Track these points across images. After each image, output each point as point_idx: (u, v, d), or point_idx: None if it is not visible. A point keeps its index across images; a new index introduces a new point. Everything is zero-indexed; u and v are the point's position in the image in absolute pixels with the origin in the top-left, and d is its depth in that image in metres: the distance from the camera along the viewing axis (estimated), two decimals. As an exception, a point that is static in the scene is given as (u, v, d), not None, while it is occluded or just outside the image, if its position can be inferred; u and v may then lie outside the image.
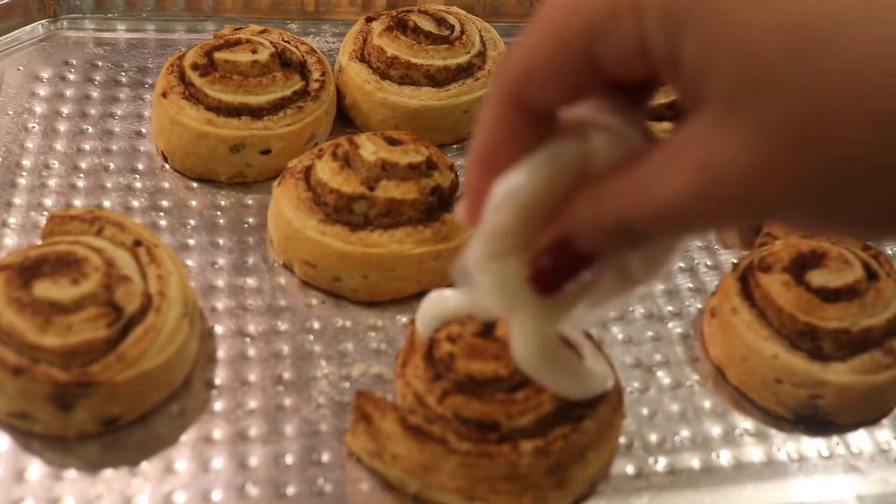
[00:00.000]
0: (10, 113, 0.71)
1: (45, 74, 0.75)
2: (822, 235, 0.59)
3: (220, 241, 0.64)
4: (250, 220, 0.66)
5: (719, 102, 0.31)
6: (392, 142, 0.62)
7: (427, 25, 0.73)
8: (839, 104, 0.29)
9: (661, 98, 0.71)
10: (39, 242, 0.57)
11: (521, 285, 0.40)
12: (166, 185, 0.67)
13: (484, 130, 0.39)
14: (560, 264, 0.38)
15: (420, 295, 0.59)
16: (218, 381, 0.56)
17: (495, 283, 0.40)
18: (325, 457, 0.52)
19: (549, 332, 0.43)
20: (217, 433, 0.53)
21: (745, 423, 0.57)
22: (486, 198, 0.39)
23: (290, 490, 0.51)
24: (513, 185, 0.38)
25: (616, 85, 0.36)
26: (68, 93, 0.74)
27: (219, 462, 0.52)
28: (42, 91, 0.74)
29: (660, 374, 0.59)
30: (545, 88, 0.36)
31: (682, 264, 0.67)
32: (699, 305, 0.63)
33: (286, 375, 0.56)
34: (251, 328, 0.59)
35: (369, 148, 0.61)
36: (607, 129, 0.37)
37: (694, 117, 0.33)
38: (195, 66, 0.67)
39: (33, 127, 0.70)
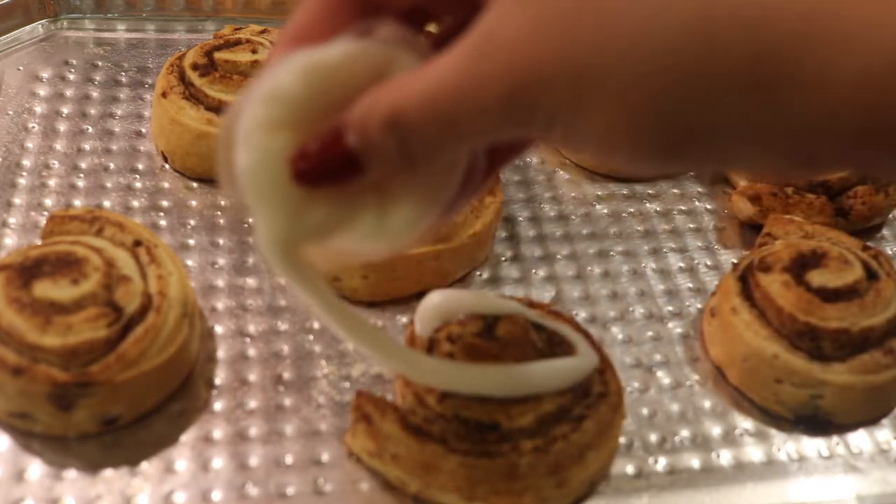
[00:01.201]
0: (10, 113, 0.71)
1: (45, 74, 0.75)
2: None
3: (220, 241, 0.64)
4: (250, 220, 0.66)
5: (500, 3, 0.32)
6: (392, 142, 0.62)
7: (427, 25, 0.73)
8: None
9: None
10: (39, 242, 0.57)
11: (281, 169, 0.37)
12: (166, 185, 0.67)
13: (306, 8, 0.38)
14: (326, 154, 0.36)
15: (420, 295, 0.59)
16: (218, 381, 0.56)
17: (257, 158, 0.37)
18: (325, 457, 0.52)
19: (292, 239, 0.39)
20: (217, 433, 0.53)
21: (745, 423, 0.57)
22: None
23: (290, 490, 0.51)
24: (310, 55, 0.36)
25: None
26: (68, 93, 0.74)
27: (219, 462, 0.52)
28: (42, 91, 0.74)
29: (660, 374, 0.59)
30: None
31: (682, 264, 0.67)
32: (699, 305, 0.63)
33: (286, 375, 0.56)
34: (251, 328, 0.59)
35: (369, 148, 0.61)
36: (414, 49, 0.37)
37: (479, 16, 0.33)
38: (195, 66, 0.67)
39: (33, 127, 0.70)
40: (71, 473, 0.50)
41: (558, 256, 0.66)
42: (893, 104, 0.29)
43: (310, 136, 0.36)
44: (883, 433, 0.57)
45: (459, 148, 0.36)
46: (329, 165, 0.36)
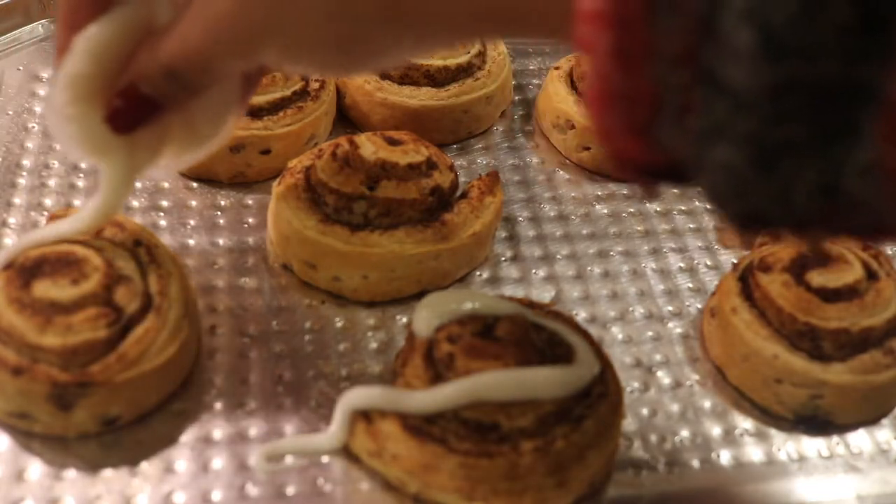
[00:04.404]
0: (10, 113, 0.71)
1: (45, 74, 0.75)
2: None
3: (220, 241, 0.64)
4: (250, 220, 0.66)
5: None
6: (392, 142, 0.62)
7: (427, 25, 0.73)
8: None
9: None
10: (39, 242, 0.57)
11: (102, 128, 0.46)
12: (166, 185, 0.67)
13: None
14: (130, 105, 0.46)
15: (420, 295, 0.59)
16: (218, 381, 0.56)
17: (78, 126, 0.47)
18: (325, 457, 0.52)
19: (135, 173, 0.50)
20: (217, 433, 0.53)
21: (745, 423, 0.57)
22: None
23: (290, 490, 0.51)
24: (86, 35, 0.45)
25: None
26: (68, 93, 0.74)
27: (219, 462, 0.52)
28: (42, 91, 0.74)
29: (660, 374, 0.59)
30: None
31: (681, 264, 0.67)
32: (699, 305, 0.63)
33: (286, 375, 0.56)
34: (251, 328, 0.59)
35: (369, 148, 0.61)
36: None
37: None
38: (195, 66, 0.67)
39: (33, 127, 0.70)
40: (71, 473, 0.50)
41: (558, 256, 0.66)
42: None
43: (111, 93, 0.46)
44: (883, 433, 0.57)
45: (220, 78, 0.46)
46: (136, 112, 0.46)
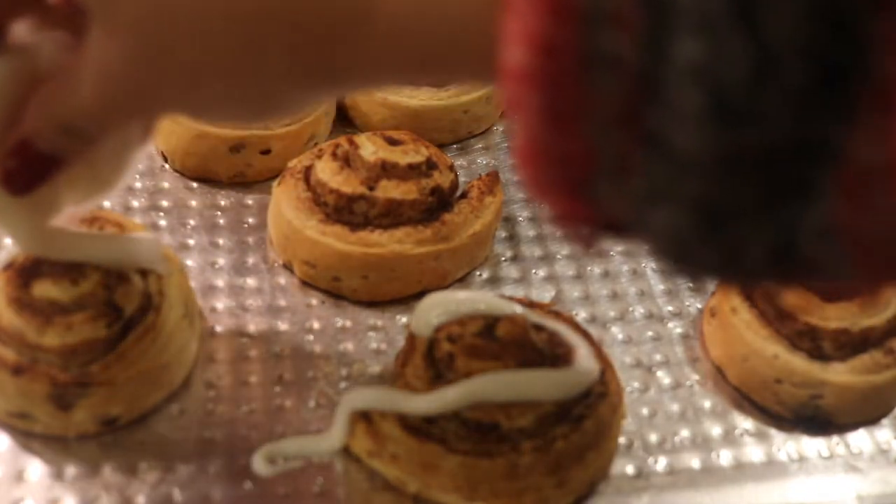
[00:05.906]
0: (10, 113, 0.71)
1: (45, 74, 0.75)
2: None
3: (220, 241, 0.64)
4: (250, 220, 0.66)
5: (98, 16, 0.37)
6: (392, 142, 0.62)
7: (427, 25, 0.73)
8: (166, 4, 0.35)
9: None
10: (39, 242, 0.57)
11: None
12: (166, 185, 0.67)
13: None
14: (26, 164, 0.42)
15: (420, 295, 0.59)
16: (218, 381, 0.56)
17: None
18: (325, 457, 0.52)
19: (41, 226, 0.47)
20: (217, 433, 0.53)
21: (745, 423, 0.57)
22: None
23: (290, 490, 0.51)
24: None
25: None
26: (68, 93, 0.74)
27: (219, 462, 0.52)
28: (42, 91, 0.74)
29: (660, 374, 0.59)
30: None
31: (682, 264, 0.67)
32: (699, 305, 0.63)
33: (286, 375, 0.56)
34: (251, 328, 0.59)
35: (369, 148, 0.61)
36: (46, 42, 0.42)
37: (93, 28, 0.39)
38: (195, 66, 0.67)
39: (33, 127, 0.70)
40: (71, 473, 0.50)
41: (558, 256, 0.66)
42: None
43: (2, 153, 0.42)
44: (883, 433, 0.57)
45: (116, 130, 0.43)
46: (35, 171, 0.43)
